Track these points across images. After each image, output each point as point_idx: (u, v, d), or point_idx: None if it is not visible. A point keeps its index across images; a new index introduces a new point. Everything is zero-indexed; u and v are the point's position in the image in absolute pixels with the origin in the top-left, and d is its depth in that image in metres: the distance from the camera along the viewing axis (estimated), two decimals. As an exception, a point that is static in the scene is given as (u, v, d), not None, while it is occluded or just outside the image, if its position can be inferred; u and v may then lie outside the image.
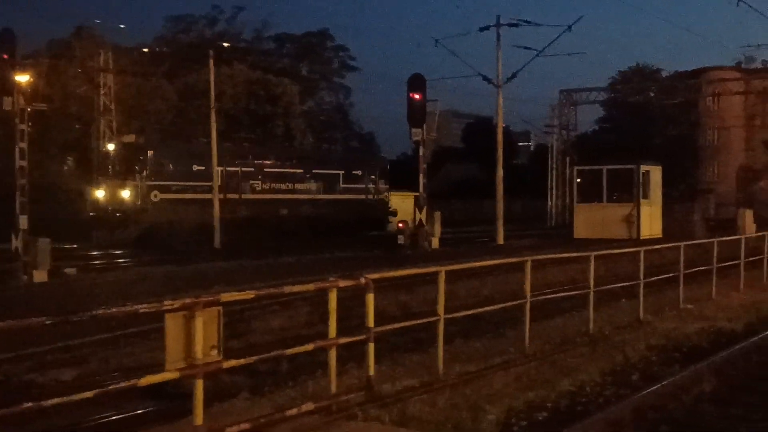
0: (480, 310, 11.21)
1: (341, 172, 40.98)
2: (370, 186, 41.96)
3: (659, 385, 8.95)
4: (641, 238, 29.24)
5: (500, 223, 33.16)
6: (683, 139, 69.22)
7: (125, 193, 34.10)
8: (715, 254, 16.96)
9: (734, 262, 18.41)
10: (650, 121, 69.17)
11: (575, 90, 59.22)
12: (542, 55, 34.74)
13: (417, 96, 28.58)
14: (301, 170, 39.49)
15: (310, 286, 7.68)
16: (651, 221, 31.21)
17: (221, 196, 34.63)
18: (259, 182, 37.45)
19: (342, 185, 40.71)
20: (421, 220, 28.71)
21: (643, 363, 10.58)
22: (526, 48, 34.94)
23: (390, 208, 40.76)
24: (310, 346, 7.40)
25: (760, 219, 39.16)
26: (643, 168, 31.24)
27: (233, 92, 48.18)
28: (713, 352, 10.83)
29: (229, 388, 9.14)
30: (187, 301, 5.93)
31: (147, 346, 11.24)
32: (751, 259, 19.34)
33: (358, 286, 7.85)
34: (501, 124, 34.95)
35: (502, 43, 33.60)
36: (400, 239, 28.92)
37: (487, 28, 33.91)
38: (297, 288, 7.85)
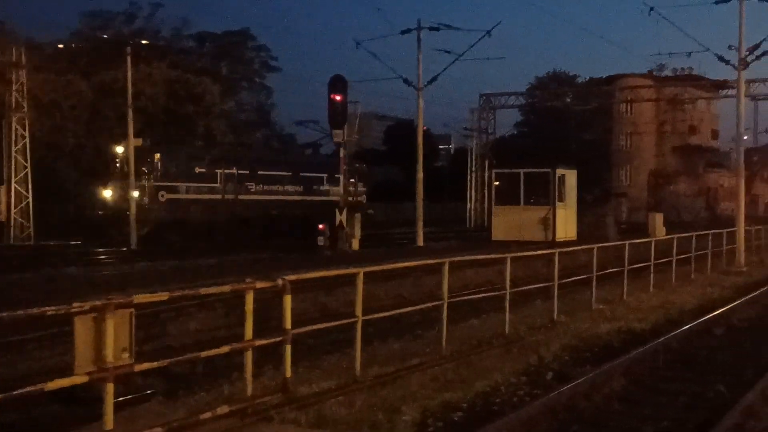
0: (398, 311, 11.27)
1: (325, 176, 42.50)
2: (351, 189, 42.73)
3: (571, 385, 9.15)
4: (556, 240, 29.82)
5: (420, 224, 33.42)
6: (598, 144, 70.94)
7: (134, 193, 35.21)
8: (626, 256, 17.44)
9: (645, 264, 18.99)
10: (566, 126, 70.66)
11: (494, 94, 60.05)
12: (462, 59, 35.10)
13: (338, 97, 28.53)
14: (290, 173, 41.25)
15: (227, 288, 7.60)
16: (566, 224, 31.87)
17: (220, 197, 37.16)
18: (253, 184, 39.18)
19: (325, 187, 42.27)
20: (341, 221, 28.69)
21: (557, 363, 10.79)
22: (446, 52, 35.26)
23: (369, 210, 43.21)
24: (225, 349, 7.33)
25: (670, 222, 40.45)
26: (559, 172, 31.88)
27: (151, 91, 47.15)
28: (623, 352, 11.11)
29: (143, 392, 8.99)
30: (98, 303, 5.80)
31: (58, 349, 10.95)
32: (660, 261, 19.96)
33: (275, 287, 7.81)
34: (421, 127, 35.22)
35: (422, 47, 33.88)
36: (320, 241, 28.85)
37: (408, 31, 34.11)
38: (213, 290, 7.75)
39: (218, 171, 37.39)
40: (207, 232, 35.46)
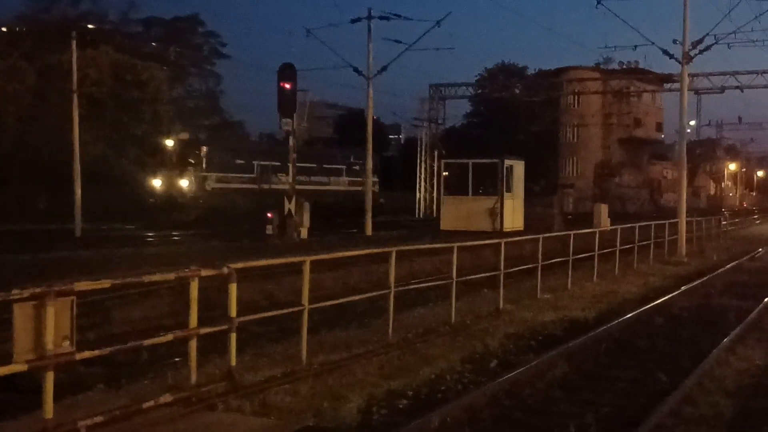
0: (344, 299, 11.29)
1: (344, 167, 46.98)
2: (364, 179, 47.38)
3: (515, 373, 9.28)
4: (504, 230, 30.10)
5: (369, 214, 33.50)
6: (545, 135, 71.66)
7: (184, 183, 38.82)
8: (571, 247, 17.68)
9: (589, 254, 19.28)
10: (515, 117, 71.25)
11: (444, 85, 60.26)
12: (412, 49, 35.24)
13: (287, 85, 28.35)
14: (314, 165, 44.94)
15: (171, 276, 7.54)
16: (513, 214, 32.16)
17: (256, 186, 40.73)
18: (284, 175, 41.29)
19: (344, 178, 46.81)
20: (290, 210, 28.57)
21: (501, 351, 10.92)
22: (396, 41, 35.34)
23: (380, 199, 48.06)
24: (169, 337, 7.27)
25: (615, 213, 41.08)
26: (507, 163, 32.14)
27: (97, 76, 46.35)
28: (566, 340, 11.29)
29: (85, 381, 8.87)
30: (38, 290, 5.71)
31: None
32: (604, 251, 20.28)
33: (220, 275, 7.76)
34: (371, 116, 35.25)
35: (373, 36, 33.90)
36: (269, 229, 28.71)
37: (358, 20, 34.13)
38: (157, 277, 7.68)
39: (255, 162, 41.07)
40: (240, 218, 37.36)
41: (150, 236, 31.96)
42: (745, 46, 37.22)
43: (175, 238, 31.76)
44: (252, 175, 41.21)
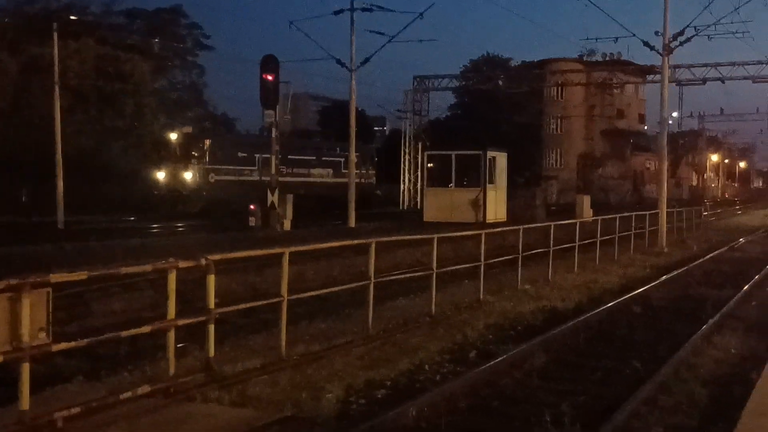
0: (324, 291, 11.31)
1: (342, 159, 46.82)
2: (362, 171, 48.74)
3: (493, 362, 9.36)
4: (487, 221, 30.16)
5: (352, 205, 33.50)
6: (529, 126, 71.79)
7: (188, 175, 39.53)
8: (551, 237, 17.77)
9: (571, 245, 19.39)
10: (499, 109, 71.30)
11: (428, 76, 60.23)
12: (395, 41, 35.16)
13: (270, 77, 28.26)
14: (314, 157, 46.43)
15: (148, 267, 7.56)
16: (496, 206, 32.23)
17: (258, 178, 40.78)
18: (285, 167, 42.12)
19: (343, 170, 46.51)
20: (273, 201, 28.54)
21: (481, 341, 11.01)
22: (379, 33, 35.24)
23: (377, 191, 49.96)
24: (147, 328, 7.30)
25: (597, 204, 41.29)
26: (490, 154, 32.19)
27: (80, 68, 46.09)
28: (545, 330, 11.39)
29: (64, 373, 8.88)
30: (13, 281, 5.71)
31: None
32: (585, 242, 20.40)
33: (198, 267, 7.78)
34: (354, 108, 35.18)
35: (356, 28, 33.78)
36: (251, 221, 28.66)
37: (341, 11, 33.99)
38: (134, 269, 7.69)
39: (256, 155, 41.29)
40: (242, 210, 37.50)
41: (137, 228, 31.81)
42: (726, 38, 37.43)
43: (157, 230, 31.66)
44: (254, 168, 41.78)
